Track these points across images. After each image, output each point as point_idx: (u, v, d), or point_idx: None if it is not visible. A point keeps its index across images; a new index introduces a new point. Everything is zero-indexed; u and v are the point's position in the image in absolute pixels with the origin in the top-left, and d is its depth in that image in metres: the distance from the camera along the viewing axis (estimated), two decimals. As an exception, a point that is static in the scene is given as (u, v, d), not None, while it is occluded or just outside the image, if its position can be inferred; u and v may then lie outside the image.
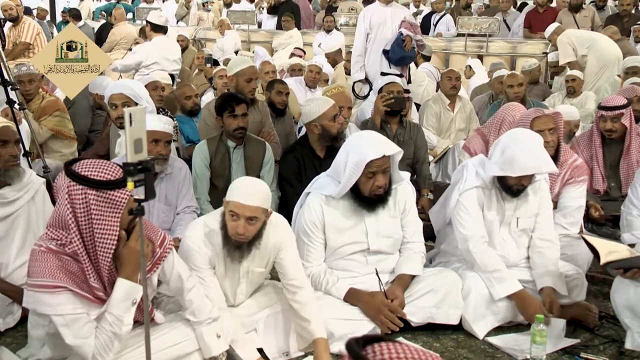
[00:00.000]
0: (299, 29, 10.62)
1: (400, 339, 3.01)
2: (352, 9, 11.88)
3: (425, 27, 10.62)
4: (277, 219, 2.98)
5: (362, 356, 1.11)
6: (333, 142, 4.15)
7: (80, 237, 2.34)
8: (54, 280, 2.32)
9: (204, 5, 13.62)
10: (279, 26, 11.13)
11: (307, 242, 3.17)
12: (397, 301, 3.07)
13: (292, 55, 8.71)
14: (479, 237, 3.23)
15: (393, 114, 4.92)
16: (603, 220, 4.11)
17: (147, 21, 6.95)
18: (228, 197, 2.80)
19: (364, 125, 4.90)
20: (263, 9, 12.49)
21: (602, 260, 2.91)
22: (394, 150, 3.06)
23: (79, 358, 2.44)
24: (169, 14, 12.41)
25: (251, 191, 2.78)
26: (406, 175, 3.33)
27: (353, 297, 3.08)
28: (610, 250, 2.93)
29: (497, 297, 3.15)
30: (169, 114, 4.80)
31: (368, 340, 1.15)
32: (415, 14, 11.47)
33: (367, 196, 3.09)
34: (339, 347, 2.94)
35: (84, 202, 2.31)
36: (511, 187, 3.19)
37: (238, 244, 2.82)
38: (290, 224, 3.55)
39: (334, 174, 3.20)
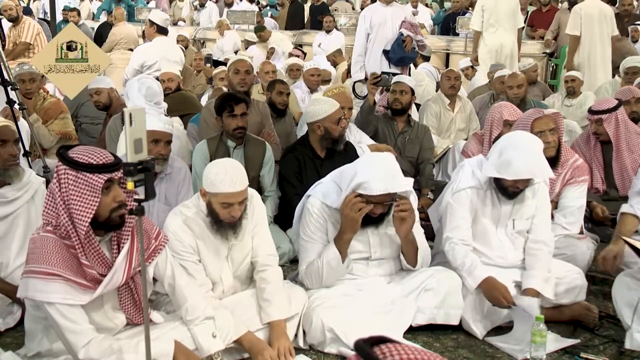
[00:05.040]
0: (300, 29, 10.61)
1: (401, 339, 3.01)
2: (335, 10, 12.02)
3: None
4: (251, 192, 3.05)
5: (373, 356, 1.12)
6: (334, 145, 4.15)
7: (64, 212, 2.39)
8: (47, 267, 2.35)
9: (196, 9, 13.62)
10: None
11: (309, 244, 3.16)
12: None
13: (290, 55, 8.71)
14: (457, 239, 3.21)
15: (399, 113, 4.96)
16: (607, 220, 4.12)
17: (150, 21, 6.91)
18: (211, 189, 2.84)
19: (363, 110, 4.93)
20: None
21: None
22: (401, 187, 2.99)
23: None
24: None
25: (235, 178, 2.83)
26: (409, 181, 3.30)
27: (339, 239, 3.06)
28: None
29: (471, 289, 3.14)
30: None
31: (376, 341, 1.16)
32: (413, 14, 11.46)
33: None
34: (337, 347, 2.94)
35: (65, 181, 2.39)
36: (507, 189, 3.19)
37: (232, 225, 2.91)
38: (292, 225, 3.57)
39: (339, 181, 3.16)
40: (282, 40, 9.99)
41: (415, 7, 13.00)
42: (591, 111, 4.44)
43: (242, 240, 3.02)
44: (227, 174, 2.82)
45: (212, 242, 2.96)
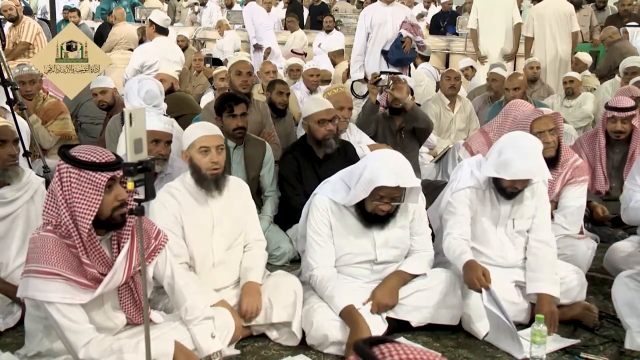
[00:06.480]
0: (301, 29, 10.60)
1: (401, 339, 3.01)
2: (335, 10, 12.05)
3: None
4: (241, 182, 3.32)
5: (372, 356, 1.12)
6: (318, 146, 4.13)
7: (66, 211, 2.40)
8: (47, 266, 2.36)
9: (196, 13, 13.60)
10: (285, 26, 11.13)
11: (318, 242, 3.12)
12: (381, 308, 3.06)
13: (292, 52, 8.71)
14: (456, 234, 3.20)
15: (398, 112, 4.97)
16: (607, 220, 4.11)
17: (150, 20, 6.90)
18: (188, 141, 3.10)
19: (365, 110, 4.93)
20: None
21: None
22: (411, 183, 2.98)
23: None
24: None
25: (209, 126, 3.19)
26: (417, 180, 3.29)
27: (347, 317, 2.94)
28: None
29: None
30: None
31: (375, 341, 1.16)
32: (420, 15, 11.46)
33: (369, 212, 3.07)
34: (334, 349, 2.94)
35: (67, 179, 2.40)
36: (505, 189, 3.19)
37: (215, 178, 3.08)
38: (291, 225, 3.58)
39: (348, 180, 3.15)
40: (300, 35, 9.99)
41: (427, 7, 12.99)
42: (620, 108, 4.29)
43: (230, 210, 3.13)
44: (202, 124, 3.23)
45: (195, 209, 3.08)
